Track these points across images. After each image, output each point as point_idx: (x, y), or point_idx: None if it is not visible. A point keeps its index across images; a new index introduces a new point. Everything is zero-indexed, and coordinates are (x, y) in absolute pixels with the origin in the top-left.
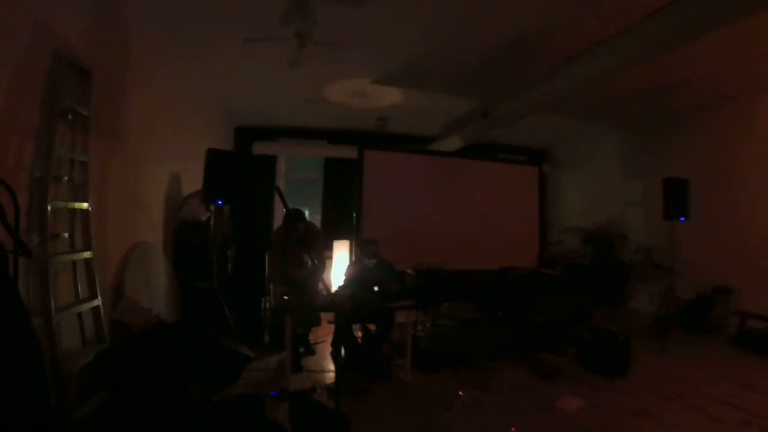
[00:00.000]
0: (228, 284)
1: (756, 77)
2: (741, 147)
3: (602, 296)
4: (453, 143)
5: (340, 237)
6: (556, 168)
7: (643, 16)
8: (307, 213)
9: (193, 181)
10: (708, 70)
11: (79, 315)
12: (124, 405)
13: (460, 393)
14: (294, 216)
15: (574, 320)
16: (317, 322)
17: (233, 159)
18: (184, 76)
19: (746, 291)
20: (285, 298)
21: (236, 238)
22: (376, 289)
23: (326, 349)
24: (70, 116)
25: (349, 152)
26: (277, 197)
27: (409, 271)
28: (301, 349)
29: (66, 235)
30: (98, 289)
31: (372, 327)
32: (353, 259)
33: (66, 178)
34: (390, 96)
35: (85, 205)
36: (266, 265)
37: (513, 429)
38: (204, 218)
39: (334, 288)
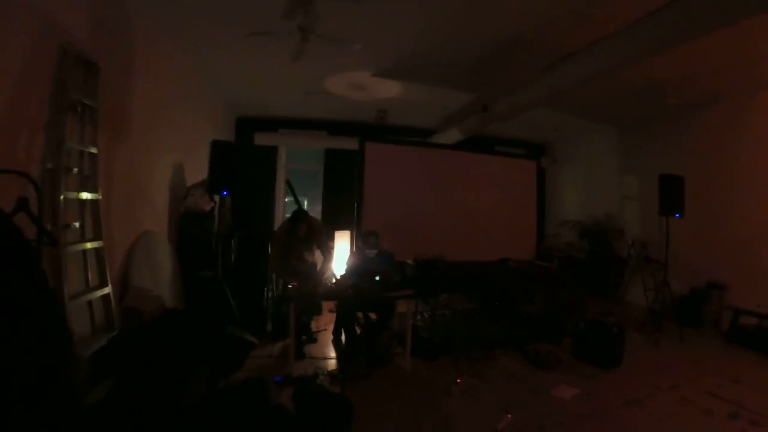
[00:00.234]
0: (231, 273)
1: (748, 77)
2: (734, 145)
3: (598, 289)
4: (452, 136)
5: (340, 228)
6: (554, 162)
7: (643, 15)
8: (306, 203)
9: (196, 171)
10: (701, 70)
11: (89, 303)
12: (133, 390)
13: (458, 381)
14: (297, 217)
15: (570, 312)
16: (318, 311)
17: (237, 150)
18: (186, 68)
19: (739, 287)
20: (289, 286)
21: (239, 228)
22: (377, 278)
23: (328, 337)
24: (78, 109)
25: (349, 143)
26: (274, 189)
27: (409, 261)
28: (303, 337)
29: (77, 225)
30: (109, 278)
31: (373, 316)
32: (354, 249)
33: (75, 169)
34: (390, 89)
35: (95, 195)
36: (269, 256)
37: (509, 416)
38: (207, 208)
39: (335, 278)
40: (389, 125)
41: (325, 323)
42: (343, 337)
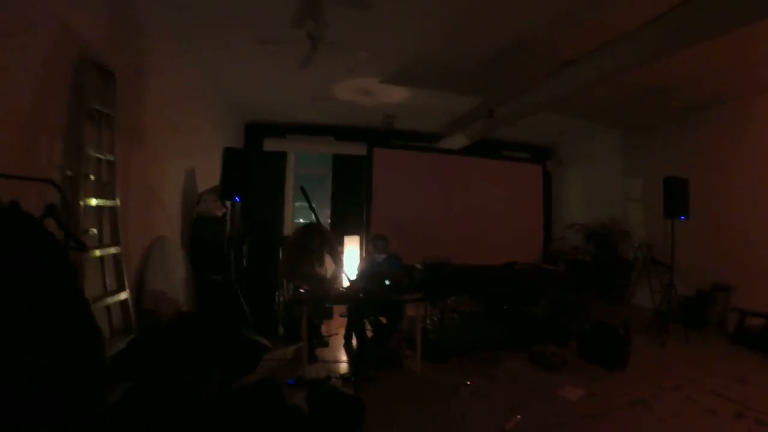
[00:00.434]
0: (243, 278)
1: (750, 79)
2: (737, 146)
3: (604, 292)
4: (458, 141)
5: (349, 232)
6: (559, 165)
7: (645, 21)
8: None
9: (207, 176)
10: (703, 72)
11: (107, 307)
12: (151, 390)
13: (468, 383)
14: (310, 229)
15: (576, 314)
16: (329, 316)
17: (249, 157)
18: (197, 75)
19: (745, 289)
20: (301, 290)
21: (249, 233)
22: (387, 282)
23: (339, 341)
24: (96, 117)
25: (356, 149)
26: (284, 194)
27: (418, 265)
28: (315, 341)
29: (94, 231)
30: (127, 282)
31: (383, 319)
32: (364, 253)
33: (92, 176)
34: (397, 94)
35: (113, 202)
36: (280, 260)
37: (518, 416)
38: (219, 214)
39: (346, 282)
40: (396, 130)
41: (336, 327)
42: (354, 341)
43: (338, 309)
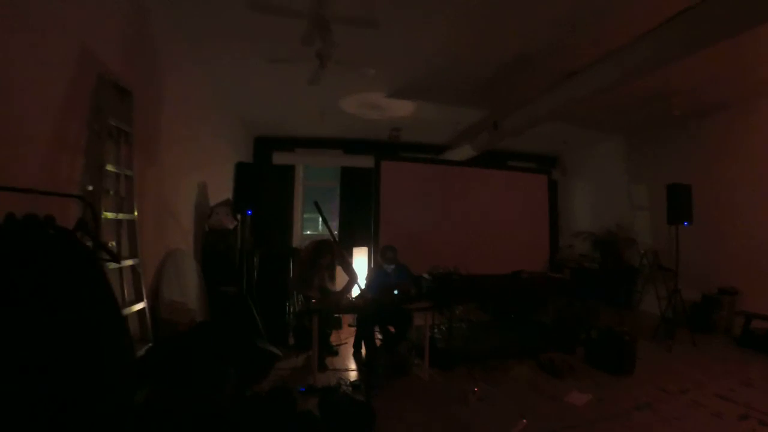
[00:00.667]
0: (254, 289)
1: (751, 83)
2: (740, 151)
3: (611, 299)
4: (465, 152)
5: (358, 244)
6: (565, 173)
7: (643, 32)
8: (319, 221)
9: (218, 190)
10: (704, 79)
11: (125, 316)
12: (168, 397)
13: (476, 389)
14: (324, 248)
15: (583, 321)
16: (339, 326)
17: (260, 171)
18: (209, 92)
19: (751, 292)
20: (313, 301)
21: (260, 245)
22: (396, 292)
23: (348, 350)
24: (114, 133)
25: (364, 161)
26: (293, 207)
27: (425, 275)
28: (324, 350)
29: (113, 243)
30: (144, 293)
31: (391, 329)
32: (373, 265)
33: (111, 191)
34: (403, 108)
35: (131, 216)
36: (290, 272)
37: (524, 421)
38: (231, 226)
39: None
40: (403, 142)
41: (345, 337)
42: (363, 350)
43: (347, 319)
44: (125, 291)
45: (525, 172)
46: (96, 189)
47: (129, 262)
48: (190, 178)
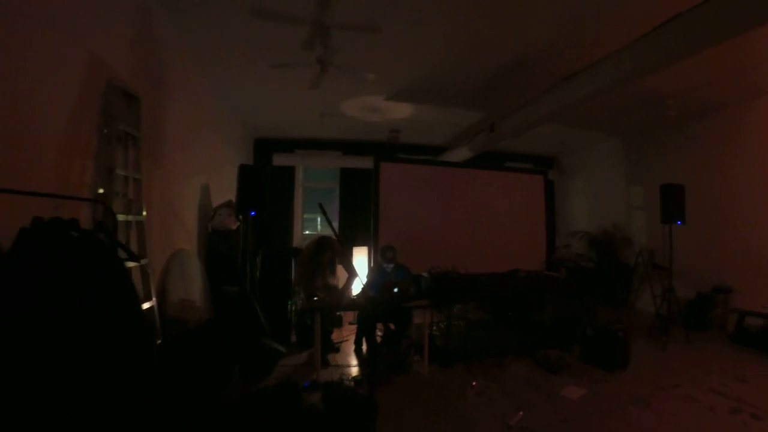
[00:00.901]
0: (257, 288)
1: (745, 85)
2: (735, 151)
3: (607, 297)
4: (462, 153)
5: (358, 244)
6: (562, 174)
7: (637, 36)
8: (319, 220)
9: (220, 191)
10: (698, 80)
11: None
12: (177, 393)
13: (474, 384)
14: (325, 245)
15: (579, 319)
16: (339, 324)
17: (263, 173)
18: (211, 96)
19: (744, 290)
20: (315, 299)
21: (261, 246)
22: (395, 290)
23: (349, 347)
24: (123, 138)
25: (363, 162)
26: (293, 207)
27: (425, 274)
28: (326, 347)
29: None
30: (153, 292)
31: (392, 326)
32: (373, 264)
33: (121, 193)
34: (402, 110)
35: (141, 217)
36: (292, 271)
37: (520, 413)
38: (234, 227)
39: (355, 291)
40: (402, 144)
41: (346, 335)
42: (364, 347)
43: (348, 317)
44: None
45: (522, 172)
46: (106, 192)
47: (138, 262)
48: (193, 180)
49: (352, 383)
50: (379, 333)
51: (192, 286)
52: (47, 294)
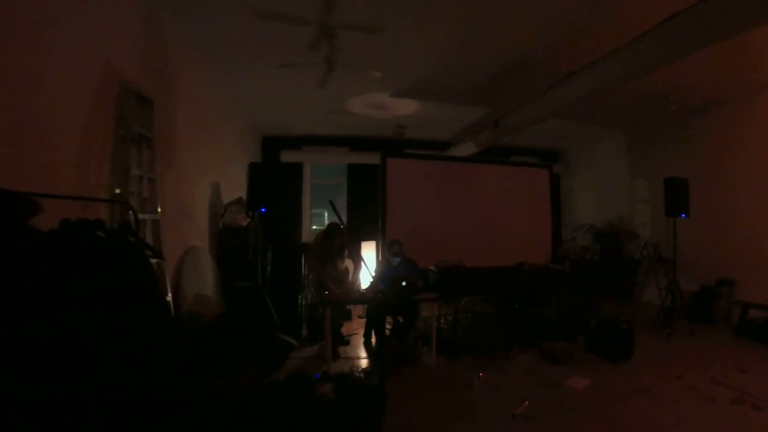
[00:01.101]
0: (268, 283)
1: (747, 80)
2: (738, 145)
3: (612, 290)
4: (468, 149)
5: (365, 238)
6: (567, 168)
7: (640, 33)
8: (326, 215)
9: (229, 189)
10: (701, 76)
11: None
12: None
13: (480, 375)
14: (334, 230)
15: (584, 312)
16: (348, 317)
17: (272, 170)
18: (220, 95)
19: (748, 282)
20: (326, 292)
21: (271, 241)
22: (404, 283)
23: (358, 340)
24: (137, 139)
25: (370, 158)
26: (301, 203)
27: (432, 268)
28: (336, 340)
29: None
30: (168, 288)
31: (400, 319)
32: (381, 259)
33: (136, 193)
34: (407, 107)
35: (156, 215)
36: (302, 266)
37: (526, 403)
38: (244, 224)
39: (364, 285)
40: (408, 139)
41: (355, 328)
42: (373, 339)
43: (356, 311)
44: None
45: (527, 167)
46: (123, 192)
47: (155, 260)
48: (204, 179)
49: (362, 375)
50: (387, 326)
51: (205, 281)
52: (85, 291)
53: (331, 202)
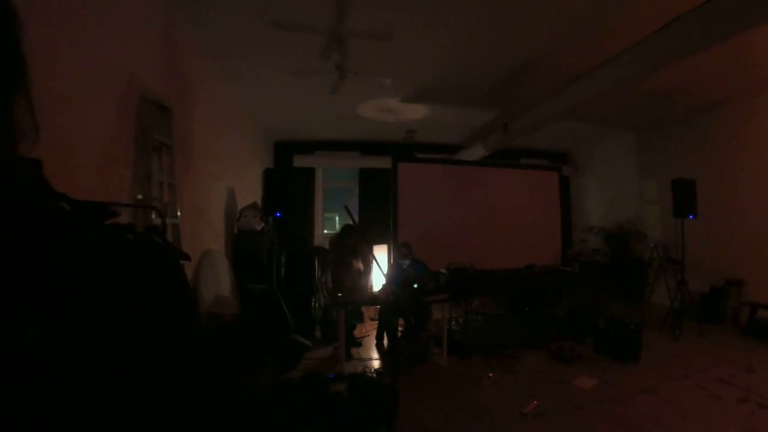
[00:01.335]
0: (282, 286)
1: (753, 79)
2: (745, 144)
3: (622, 291)
4: (477, 152)
5: (377, 242)
6: (576, 169)
7: (646, 34)
8: (338, 219)
9: (244, 193)
10: (706, 76)
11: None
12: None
13: (490, 375)
14: (349, 230)
15: (593, 313)
16: (361, 319)
17: (287, 176)
18: (236, 104)
19: (757, 282)
20: (339, 295)
21: (285, 245)
22: (415, 285)
23: (370, 341)
24: (158, 146)
25: (381, 162)
26: (314, 207)
27: (443, 270)
28: (349, 341)
29: None
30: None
31: (412, 320)
32: (392, 261)
33: (157, 198)
34: (417, 111)
35: (176, 219)
36: (315, 269)
37: (534, 402)
38: (259, 228)
39: (377, 287)
40: (418, 143)
41: (367, 330)
42: (385, 341)
43: (369, 313)
44: None
45: (536, 169)
46: (145, 197)
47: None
48: (220, 184)
49: (375, 375)
50: (399, 328)
51: (221, 284)
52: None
53: (346, 207)
